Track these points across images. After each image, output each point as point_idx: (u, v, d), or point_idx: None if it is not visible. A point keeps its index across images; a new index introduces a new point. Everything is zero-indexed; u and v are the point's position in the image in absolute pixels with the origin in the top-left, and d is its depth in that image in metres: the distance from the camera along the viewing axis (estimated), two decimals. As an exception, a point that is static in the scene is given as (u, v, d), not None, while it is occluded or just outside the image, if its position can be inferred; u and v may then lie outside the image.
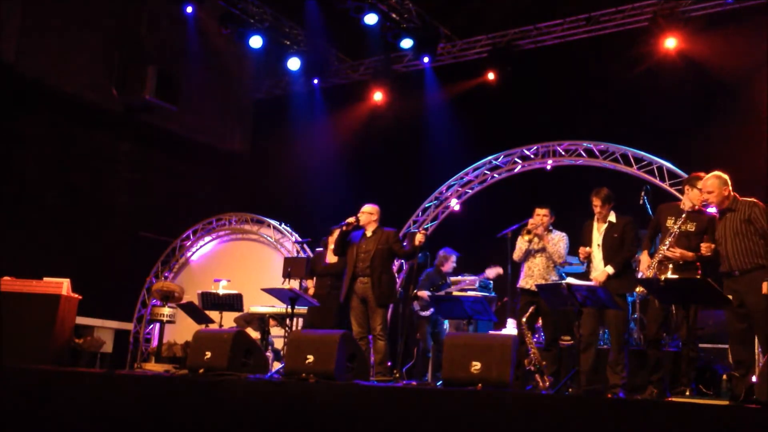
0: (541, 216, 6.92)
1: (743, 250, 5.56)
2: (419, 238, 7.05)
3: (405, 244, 7.44)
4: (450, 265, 8.64)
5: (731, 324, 5.63)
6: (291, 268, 9.07)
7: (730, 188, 5.73)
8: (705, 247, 5.77)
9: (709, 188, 5.72)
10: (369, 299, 7.10)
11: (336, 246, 7.39)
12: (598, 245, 6.52)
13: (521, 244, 6.95)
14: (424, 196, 11.07)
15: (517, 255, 7.05)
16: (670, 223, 6.04)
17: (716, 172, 5.77)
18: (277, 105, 13.54)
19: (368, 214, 7.32)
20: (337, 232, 7.95)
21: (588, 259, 6.57)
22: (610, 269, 6.35)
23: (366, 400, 5.16)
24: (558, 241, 6.89)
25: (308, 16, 11.60)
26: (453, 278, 8.96)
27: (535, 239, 6.88)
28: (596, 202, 6.55)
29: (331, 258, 7.90)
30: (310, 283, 8.03)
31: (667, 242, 5.94)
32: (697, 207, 6.02)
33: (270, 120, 13.57)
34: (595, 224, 6.60)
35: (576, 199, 7.12)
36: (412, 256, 7.57)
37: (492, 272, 8.73)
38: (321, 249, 8.25)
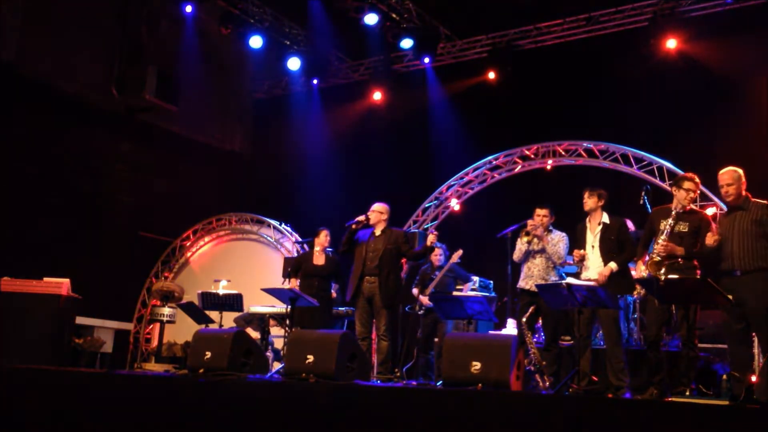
0: (540, 216, 6.92)
1: (749, 251, 5.55)
2: (431, 239, 7.04)
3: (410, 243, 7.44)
4: (438, 257, 8.58)
5: (729, 325, 5.64)
6: (291, 268, 9.07)
7: (744, 185, 5.73)
8: (710, 238, 5.71)
9: (728, 180, 5.69)
10: (375, 299, 7.09)
11: (344, 244, 7.39)
12: (593, 246, 6.52)
13: (520, 245, 6.95)
14: (424, 196, 11.08)
15: (516, 256, 7.05)
16: (663, 225, 6.07)
17: (730, 168, 5.73)
18: (277, 105, 13.54)
19: (378, 213, 7.32)
20: (323, 233, 7.99)
21: (582, 261, 6.57)
22: (614, 265, 6.34)
23: (366, 400, 5.16)
24: (558, 241, 6.89)
25: (312, 16, 11.60)
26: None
27: (535, 240, 6.88)
28: (585, 198, 6.56)
29: (318, 260, 7.91)
30: (294, 283, 8.02)
31: (660, 240, 5.95)
32: (688, 207, 6.05)
33: (270, 120, 13.58)
34: (588, 225, 6.61)
35: (576, 199, 7.12)
36: (422, 257, 7.55)
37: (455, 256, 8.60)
38: (307, 249, 8.24)
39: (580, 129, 10.11)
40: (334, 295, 8.18)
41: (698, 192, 6.34)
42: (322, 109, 12.94)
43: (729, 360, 6.91)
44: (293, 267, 8.18)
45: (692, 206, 6.15)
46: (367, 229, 7.36)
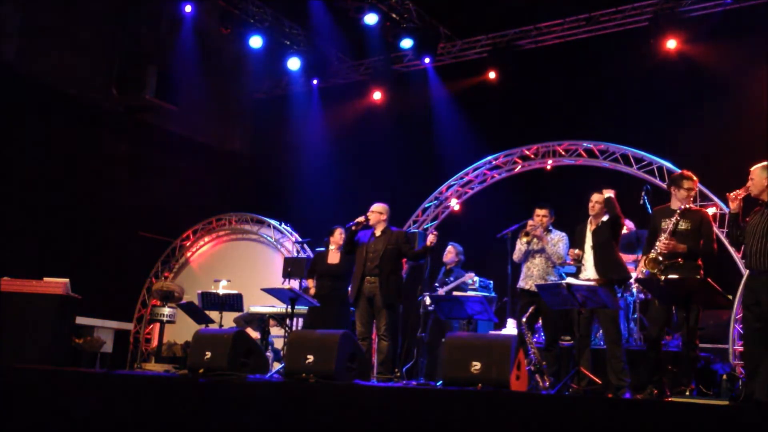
0: (540, 217, 6.92)
1: (763, 252, 5.39)
2: (431, 239, 7.06)
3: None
4: (449, 256, 8.61)
5: (748, 323, 5.53)
6: (291, 268, 9.08)
7: None
8: (735, 196, 5.57)
9: (750, 175, 5.56)
10: (376, 299, 7.10)
11: (345, 245, 7.42)
12: (591, 246, 6.52)
13: (520, 245, 6.96)
14: (424, 196, 11.07)
15: (516, 256, 7.06)
16: (665, 224, 6.06)
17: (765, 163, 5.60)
18: (277, 105, 13.53)
19: (378, 213, 7.33)
20: (337, 231, 7.97)
21: (579, 260, 6.57)
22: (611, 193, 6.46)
23: (366, 400, 5.16)
24: (557, 241, 6.89)
25: (312, 16, 11.60)
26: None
27: (534, 240, 6.89)
28: (594, 199, 6.57)
29: (332, 258, 7.89)
30: (311, 283, 8.04)
31: (662, 238, 5.94)
32: (687, 206, 6.05)
33: (270, 120, 13.57)
34: (589, 226, 6.61)
35: (576, 199, 7.12)
36: (422, 257, 7.57)
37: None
38: (322, 249, 8.24)
39: (580, 129, 10.10)
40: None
41: (697, 189, 6.32)
42: (322, 109, 12.93)
43: (731, 359, 6.89)
44: (310, 267, 8.16)
45: (692, 205, 6.14)
46: (367, 230, 7.37)
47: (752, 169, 5.61)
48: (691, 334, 5.75)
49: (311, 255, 9.51)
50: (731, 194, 5.61)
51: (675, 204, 6.14)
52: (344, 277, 7.86)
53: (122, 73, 11.56)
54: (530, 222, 6.92)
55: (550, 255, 6.84)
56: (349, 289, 7.94)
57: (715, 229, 6.29)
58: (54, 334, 7.81)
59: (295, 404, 5.31)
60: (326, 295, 7.59)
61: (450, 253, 8.67)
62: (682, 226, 5.97)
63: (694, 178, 6.19)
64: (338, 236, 7.98)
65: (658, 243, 5.95)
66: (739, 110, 9.40)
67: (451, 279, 8.38)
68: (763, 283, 5.40)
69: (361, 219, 7.28)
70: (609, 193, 6.52)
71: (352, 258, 7.85)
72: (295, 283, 8.70)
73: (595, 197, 6.58)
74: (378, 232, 7.33)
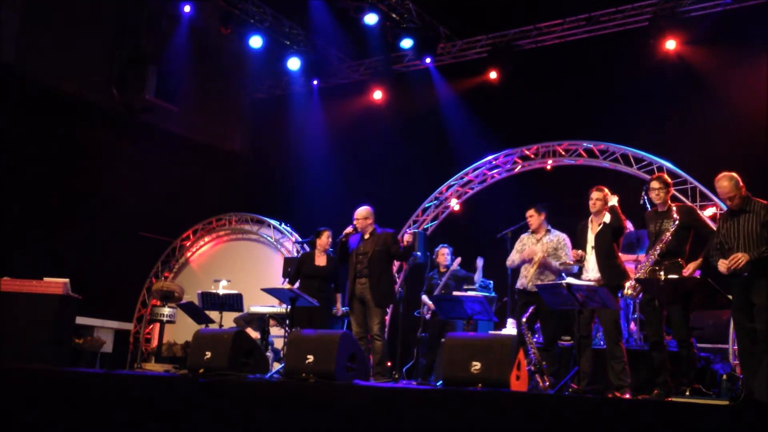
0: (528, 218, 7.00)
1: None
2: (407, 238, 7.17)
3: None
4: (442, 258, 8.67)
5: (740, 323, 5.51)
6: (291, 268, 9.07)
7: (743, 187, 5.63)
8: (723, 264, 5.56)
9: (729, 192, 5.56)
10: (367, 299, 7.14)
11: (338, 255, 7.48)
12: (593, 247, 6.51)
13: (517, 257, 6.97)
14: (424, 196, 11.07)
15: (509, 263, 7.11)
16: (651, 228, 6.16)
17: (726, 174, 5.63)
18: (277, 105, 13.54)
19: (363, 219, 7.41)
20: (325, 234, 8.04)
21: (581, 261, 6.57)
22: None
23: (366, 400, 5.16)
24: (559, 249, 6.84)
25: (312, 16, 11.61)
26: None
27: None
28: (595, 197, 6.58)
29: (319, 261, 7.93)
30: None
31: (658, 248, 5.96)
32: (667, 206, 6.12)
33: (270, 120, 13.57)
34: (590, 225, 6.60)
35: (576, 199, 7.12)
36: (405, 257, 7.63)
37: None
38: (307, 249, 8.27)
39: (580, 129, 10.11)
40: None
41: (671, 189, 6.35)
42: (322, 109, 12.93)
43: (730, 359, 6.89)
44: (295, 269, 8.16)
45: (671, 203, 6.17)
46: (358, 234, 7.42)
47: (723, 184, 5.59)
48: (687, 334, 5.76)
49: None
50: (731, 264, 5.44)
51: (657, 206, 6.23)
52: (330, 279, 7.96)
53: (122, 73, 11.56)
54: (528, 254, 6.89)
55: (558, 269, 6.78)
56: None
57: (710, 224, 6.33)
58: (54, 334, 7.81)
59: (295, 404, 5.31)
60: (312, 296, 7.59)
61: (443, 255, 8.71)
62: (665, 226, 6.00)
63: (664, 178, 6.32)
64: (325, 239, 8.01)
65: (653, 252, 5.98)
66: (738, 110, 9.40)
67: (444, 279, 8.40)
68: (753, 283, 5.40)
69: (349, 230, 7.36)
70: (613, 201, 6.51)
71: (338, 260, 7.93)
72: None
73: (595, 195, 6.57)
74: (366, 235, 7.39)
